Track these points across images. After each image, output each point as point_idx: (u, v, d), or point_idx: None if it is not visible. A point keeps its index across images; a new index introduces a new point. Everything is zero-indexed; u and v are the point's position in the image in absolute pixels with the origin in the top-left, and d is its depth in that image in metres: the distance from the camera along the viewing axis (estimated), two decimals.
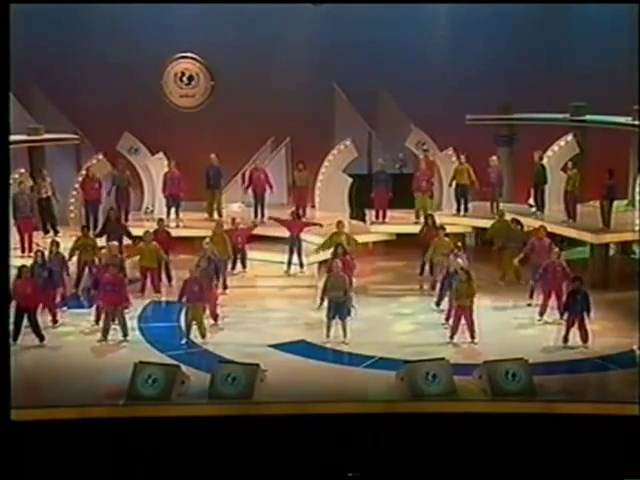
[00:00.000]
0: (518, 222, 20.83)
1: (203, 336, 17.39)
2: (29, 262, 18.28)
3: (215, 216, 23.17)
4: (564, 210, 21.71)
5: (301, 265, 21.41)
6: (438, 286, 19.27)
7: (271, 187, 23.57)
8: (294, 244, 21.43)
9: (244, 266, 21.51)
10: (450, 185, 23.21)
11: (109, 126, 24.51)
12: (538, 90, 23.87)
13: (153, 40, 24.93)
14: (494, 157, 23.10)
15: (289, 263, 21.45)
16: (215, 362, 15.93)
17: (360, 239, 21.38)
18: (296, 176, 23.71)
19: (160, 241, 20.31)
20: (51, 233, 22.33)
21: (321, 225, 21.85)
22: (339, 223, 20.73)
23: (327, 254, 20.05)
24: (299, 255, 21.39)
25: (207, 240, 19.63)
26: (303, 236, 21.54)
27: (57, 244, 19.24)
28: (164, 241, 20.55)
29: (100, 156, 24.10)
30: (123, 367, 15.61)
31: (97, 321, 18.00)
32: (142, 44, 24.79)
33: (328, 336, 17.41)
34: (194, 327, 17.41)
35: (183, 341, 17.31)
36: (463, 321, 17.28)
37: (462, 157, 22.97)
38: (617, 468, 13.99)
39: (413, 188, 22.77)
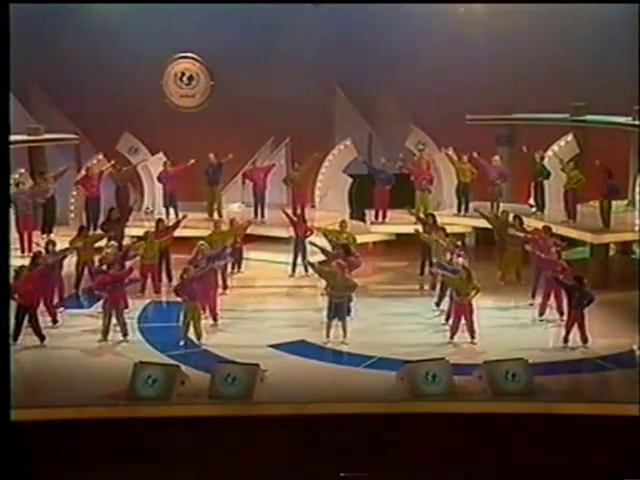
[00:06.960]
0: (520, 220, 20.73)
1: (199, 337, 17.27)
2: (28, 262, 18.28)
3: (215, 216, 23.15)
4: (564, 210, 21.72)
5: (306, 269, 21.20)
6: (438, 286, 19.27)
7: (269, 170, 23.60)
8: (298, 247, 21.35)
9: (239, 266, 21.44)
10: (459, 183, 23.15)
11: (109, 126, 24.53)
12: (538, 90, 23.87)
13: (153, 40, 24.96)
14: (496, 157, 23.10)
15: (293, 266, 21.42)
16: (215, 362, 15.90)
17: (360, 239, 21.35)
18: (293, 175, 23.67)
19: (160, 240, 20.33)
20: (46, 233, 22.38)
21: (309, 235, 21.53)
22: (342, 223, 20.68)
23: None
24: (304, 258, 21.23)
25: (201, 242, 19.42)
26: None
27: (54, 243, 19.20)
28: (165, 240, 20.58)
29: (100, 156, 24.12)
30: (123, 367, 15.60)
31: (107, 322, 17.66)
32: (142, 44, 24.82)
33: (328, 336, 17.38)
34: (191, 328, 17.31)
35: (181, 342, 17.26)
36: (463, 321, 17.29)
37: (464, 157, 23.01)
38: (617, 468, 13.99)
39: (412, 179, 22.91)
